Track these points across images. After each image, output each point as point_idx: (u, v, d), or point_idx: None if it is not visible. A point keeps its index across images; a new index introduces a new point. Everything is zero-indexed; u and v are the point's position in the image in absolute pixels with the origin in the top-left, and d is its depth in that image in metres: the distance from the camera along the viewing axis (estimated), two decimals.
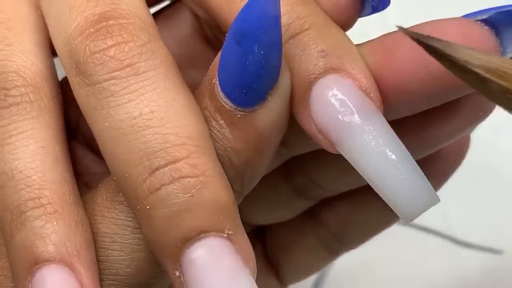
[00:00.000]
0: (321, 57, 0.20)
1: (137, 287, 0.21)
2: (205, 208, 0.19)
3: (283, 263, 0.28)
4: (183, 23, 0.25)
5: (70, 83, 0.21)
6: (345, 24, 0.21)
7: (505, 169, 0.41)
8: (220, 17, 0.21)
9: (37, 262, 0.20)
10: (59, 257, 0.20)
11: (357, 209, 0.27)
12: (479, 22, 0.19)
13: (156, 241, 0.19)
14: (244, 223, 0.21)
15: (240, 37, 0.19)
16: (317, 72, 0.20)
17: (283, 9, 0.20)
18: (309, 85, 0.20)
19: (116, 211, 0.21)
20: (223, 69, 0.20)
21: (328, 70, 0.20)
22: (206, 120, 0.20)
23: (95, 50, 0.20)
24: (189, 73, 0.24)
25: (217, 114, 0.20)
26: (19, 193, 0.20)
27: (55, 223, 0.20)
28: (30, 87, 0.21)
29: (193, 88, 0.21)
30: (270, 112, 0.20)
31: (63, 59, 0.21)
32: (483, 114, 0.23)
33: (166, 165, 0.19)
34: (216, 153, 0.20)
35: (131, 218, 0.21)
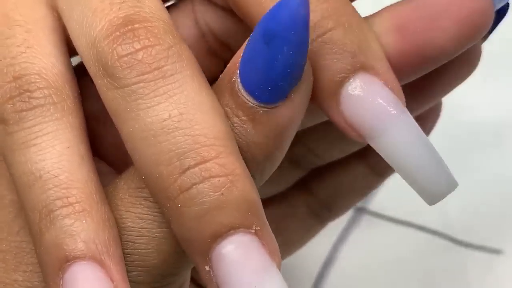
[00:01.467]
0: (351, 57, 0.21)
1: (163, 277, 0.22)
2: (234, 206, 0.20)
3: (276, 239, 0.29)
4: (185, 32, 0.26)
5: (96, 85, 0.21)
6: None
7: (505, 169, 0.41)
8: (247, 13, 0.22)
9: (68, 260, 0.20)
10: (89, 254, 0.20)
11: (344, 177, 0.29)
12: None
13: (187, 237, 0.20)
14: None
15: (269, 38, 0.19)
16: (348, 71, 0.21)
17: (310, 7, 0.20)
18: (340, 83, 0.21)
19: (142, 206, 0.22)
20: (247, 67, 0.20)
21: (358, 69, 0.21)
22: (227, 116, 0.21)
23: (123, 53, 0.20)
24: None
25: (239, 111, 0.21)
26: (47, 192, 0.21)
27: (84, 221, 0.21)
28: (53, 89, 0.22)
29: None
30: (292, 108, 0.21)
31: (88, 62, 0.21)
32: (468, 70, 0.26)
33: (196, 165, 0.20)
34: (239, 148, 0.21)
35: (157, 213, 0.21)
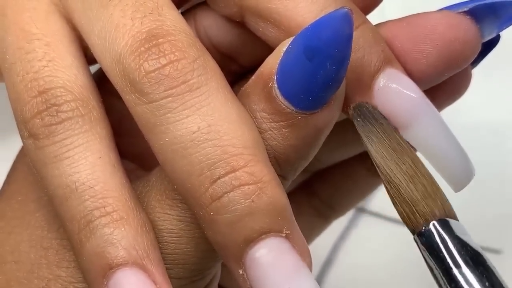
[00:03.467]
0: (381, 50, 0.22)
1: (201, 271, 0.23)
2: (264, 212, 0.20)
3: None
4: None
5: (124, 100, 0.22)
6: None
7: (505, 169, 0.41)
8: (284, 27, 0.22)
9: (111, 267, 0.21)
10: (131, 260, 0.21)
11: (345, 178, 0.30)
12: (463, 14, 0.21)
13: (220, 243, 0.21)
14: None
15: (312, 54, 0.20)
16: (380, 64, 0.22)
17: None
18: (374, 75, 0.22)
19: (179, 209, 0.22)
20: (286, 76, 0.21)
21: (388, 63, 0.22)
22: (263, 121, 0.21)
23: (150, 69, 0.21)
24: None
25: (277, 116, 0.21)
26: (84, 203, 0.21)
27: (123, 229, 0.21)
28: (79, 101, 0.22)
29: None
30: (330, 113, 0.21)
31: (114, 77, 0.22)
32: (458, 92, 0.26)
33: (226, 174, 0.20)
34: (274, 151, 0.21)
35: (193, 215, 0.22)
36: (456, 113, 0.42)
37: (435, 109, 0.22)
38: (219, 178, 0.20)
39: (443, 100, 0.26)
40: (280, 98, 0.21)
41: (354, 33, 0.21)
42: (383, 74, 0.22)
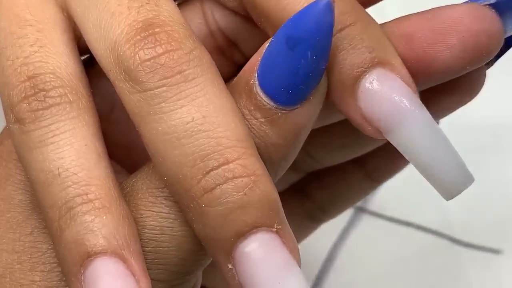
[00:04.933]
0: (368, 52, 0.21)
1: (181, 275, 0.23)
2: (256, 205, 0.20)
3: None
4: (194, 30, 0.26)
5: (116, 89, 0.21)
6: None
7: (505, 169, 0.41)
8: (267, 16, 0.22)
9: (89, 255, 0.21)
10: (111, 249, 0.21)
11: (340, 181, 0.29)
12: (487, 6, 0.21)
13: (210, 236, 0.21)
14: None
15: (294, 43, 0.20)
16: (366, 66, 0.21)
17: None
18: (358, 77, 0.21)
19: (163, 205, 0.22)
20: (267, 70, 0.21)
21: (376, 64, 0.21)
22: (245, 118, 0.21)
23: (146, 58, 0.21)
24: None
25: (257, 113, 0.21)
26: (66, 190, 0.21)
27: (104, 217, 0.21)
28: (68, 88, 0.22)
29: None
30: (310, 110, 0.21)
31: (107, 65, 0.22)
32: (473, 90, 0.25)
33: (219, 166, 0.20)
34: (258, 149, 0.21)
35: (178, 212, 0.22)
36: (455, 114, 0.42)
37: (426, 113, 0.21)
38: (212, 169, 0.20)
39: (458, 101, 0.26)
40: (260, 93, 0.21)
41: (341, 33, 0.21)
42: (369, 75, 0.21)
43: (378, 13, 0.25)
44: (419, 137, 0.21)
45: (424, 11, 0.22)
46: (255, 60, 0.21)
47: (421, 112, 0.21)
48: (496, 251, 0.38)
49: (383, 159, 0.29)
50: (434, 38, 0.22)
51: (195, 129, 0.20)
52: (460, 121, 0.42)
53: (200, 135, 0.20)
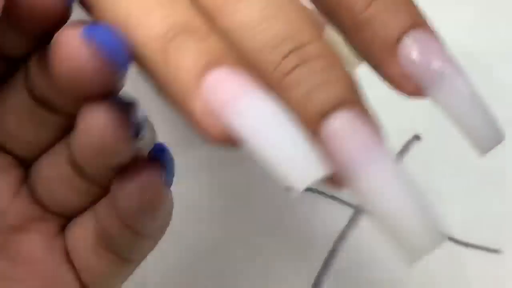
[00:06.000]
0: (406, 12, 0.21)
1: None
2: (339, 84, 0.20)
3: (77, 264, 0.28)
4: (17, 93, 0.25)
5: None
6: None
7: (505, 168, 0.41)
8: None
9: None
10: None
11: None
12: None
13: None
14: (47, 212, 0.26)
15: None
16: (407, 26, 0.21)
17: None
18: (399, 37, 0.21)
19: None
20: None
21: (414, 25, 0.21)
22: None
23: None
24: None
25: None
26: None
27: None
28: None
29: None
30: None
31: None
32: None
33: (300, 47, 0.20)
34: None
35: None
36: None
37: (465, 73, 0.22)
38: (291, 51, 0.20)
39: None
40: None
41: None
42: (411, 34, 0.21)
43: None
44: (462, 93, 0.22)
45: None
46: None
47: (462, 70, 0.22)
48: (495, 251, 0.38)
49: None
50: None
51: (272, 15, 0.20)
52: None
53: (277, 21, 0.20)
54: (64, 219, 0.26)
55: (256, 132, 0.20)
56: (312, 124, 0.20)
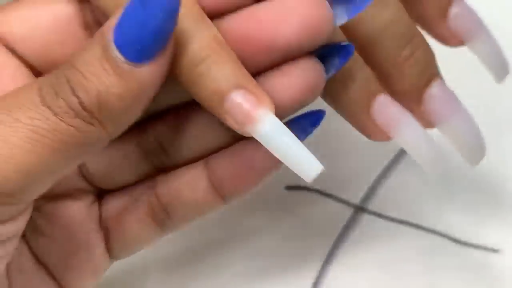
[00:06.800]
0: None
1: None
2: (432, 63, 0.30)
3: (113, 232, 0.31)
4: (64, 8, 0.28)
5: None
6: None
7: (505, 168, 0.41)
8: None
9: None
10: None
11: (186, 187, 0.30)
12: None
13: (408, 90, 0.30)
14: (91, 185, 0.30)
15: (146, 2, 0.23)
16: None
17: None
18: (447, 6, 0.31)
19: None
20: (121, 26, 0.24)
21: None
22: (95, 67, 0.24)
23: None
24: (59, 60, 0.28)
25: (107, 63, 0.24)
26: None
27: None
28: None
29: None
30: (156, 68, 0.24)
31: None
32: None
33: (411, 39, 0.30)
34: (99, 95, 0.24)
35: None
36: None
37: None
38: (408, 43, 0.29)
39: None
40: (113, 49, 0.24)
41: None
42: (453, 4, 0.31)
43: None
44: (492, 45, 0.32)
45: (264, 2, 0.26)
46: (114, 17, 0.24)
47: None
48: (494, 250, 0.38)
49: (230, 169, 0.29)
50: (277, 18, 0.25)
51: (396, 20, 0.29)
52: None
53: (399, 25, 0.29)
54: (101, 190, 0.31)
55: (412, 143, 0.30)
56: (420, 93, 0.30)
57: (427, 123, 0.30)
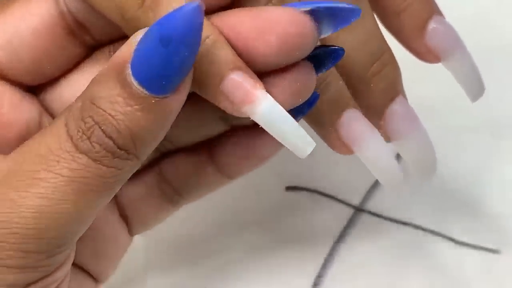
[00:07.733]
0: (432, 3, 0.31)
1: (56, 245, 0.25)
2: (398, 80, 0.30)
3: (133, 219, 0.34)
4: (45, 12, 0.28)
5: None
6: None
7: (503, 169, 0.41)
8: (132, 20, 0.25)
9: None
10: None
11: (192, 169, 0.33)
12: (304, 12, 0.25)
13: (372, 105, 0.30)
14: None
15: (168, 41, 0.23)
16: (431, 12, 0.31)
17: None
18: (426, 21, 0.31)
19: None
20: (141, 63, 0.24)
21: (433, 12, 0.31)
22: (120, 104, 0.24)
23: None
24: (44, 66, 0.28)
25: (131, 101, 0.24)
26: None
27: None
28: None
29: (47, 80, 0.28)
30: (180, 97, 0.25)
31: None
32: None
33: (380, 56, 0.29)
34: (131, 131, 0.24)
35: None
36: (454, 114, 0.42)
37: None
38: (376, 60, 0.29)
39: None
40: (135, 84, 0.24)
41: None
42: (434, 18, 0.31)
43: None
44: (469, 62, 0.31)
45: (247, 9, 0.25)
46: (127, 51, 0.24)
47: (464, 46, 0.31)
48: (494, 251, 0.38)
49: (234, 156, 0.32)
50: (255, 35, 0.25)
51: (371, 40, 0.29)
52: (457, 121, 0.42)
53: (371, 44, 0.29)
54: None
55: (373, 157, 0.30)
56: (383, 108, 0.30)
57: (386, 137, 0.30)
